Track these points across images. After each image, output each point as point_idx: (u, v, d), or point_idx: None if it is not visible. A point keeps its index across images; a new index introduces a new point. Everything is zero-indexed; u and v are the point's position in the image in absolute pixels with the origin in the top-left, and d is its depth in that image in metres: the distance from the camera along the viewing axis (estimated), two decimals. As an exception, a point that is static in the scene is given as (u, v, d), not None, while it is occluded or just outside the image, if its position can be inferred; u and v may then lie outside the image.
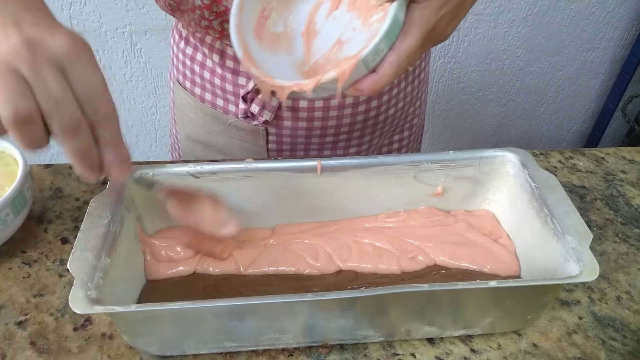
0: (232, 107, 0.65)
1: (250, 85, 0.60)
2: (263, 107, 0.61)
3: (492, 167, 0.55)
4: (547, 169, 0.53)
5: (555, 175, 0.51)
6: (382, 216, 0.57)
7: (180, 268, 0.52)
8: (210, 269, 0.52)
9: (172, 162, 0.60)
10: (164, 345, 0.45)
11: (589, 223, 0.59)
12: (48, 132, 0.36)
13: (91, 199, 0.48)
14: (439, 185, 0.56)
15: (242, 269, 0.52)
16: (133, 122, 1.43)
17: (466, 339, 0.49)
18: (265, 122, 0.63)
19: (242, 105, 0.62)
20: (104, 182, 0.63)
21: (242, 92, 0.62)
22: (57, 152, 1.48)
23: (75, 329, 0.48)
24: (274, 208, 0.55)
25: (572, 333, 0.49)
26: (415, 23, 0.40)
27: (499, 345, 0.48)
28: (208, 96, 0.66)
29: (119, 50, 1.29)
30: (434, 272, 0.52)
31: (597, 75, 1.58)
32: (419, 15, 0.40)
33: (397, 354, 0.47)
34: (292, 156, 0.68)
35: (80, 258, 0.42)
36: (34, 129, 0.35)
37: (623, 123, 1.67)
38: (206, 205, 0.51)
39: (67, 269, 0.42)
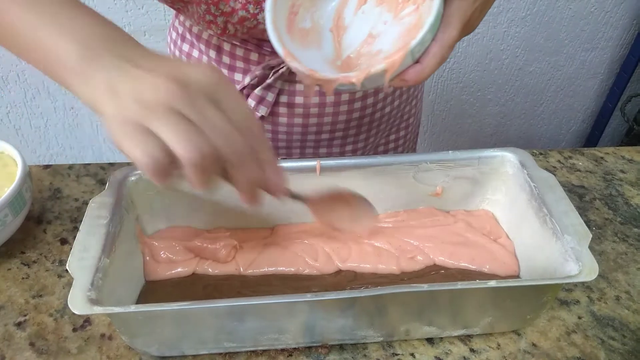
0: None
1: (247, 81, 0.60)
2: (259, 102, 0.61)
3: (491, 167, 0.55)
4: (546, 169, 0.53)
5: (555, 175, 0.51)
6: (382, 216, 0.57)
7: (180, 269, 0.51)
8: (210, 269, 0.52)
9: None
10: (163, 346, 0.45)
11: (588, 223, 0.60)
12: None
13: (90, 199, 0.48)
14: (438, 185, 0.56)
15: (241, 270, 0.52)
16: (132, 123, 1.42)
17: (465, 338, 0.49)
18: (261, 118, 0.63)
19: None
20: (103, 183, 0.63)
21: (237, 87, 0.62)
22: (56, 153, 1.48)
23: (74, 330, 0.48)
24: (274, 208, 0.55)
25: (571, 333, 0.49)
26: (454, 14, 0.41)
27: (499, 345, 0.48)
28: None
29: (118, 51, 1.28)
30: (434, 272, 0.52)
31: (596, 74, 1.58)
32: (456, 7, 0.41)
33: (397, 354, 0.47)
34: (288, 154, 0.68)
35: (79, 259, 0.42)
36: (216, 167, 0.34)
37: (622, 122, 1.67)
38: (343, 204, 0.51)
39: (66, 270, 0.42)
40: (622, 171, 0.69)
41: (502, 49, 1.47)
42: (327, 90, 0.42)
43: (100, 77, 0.34)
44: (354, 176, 0.54)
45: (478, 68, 1.49)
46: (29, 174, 0.55)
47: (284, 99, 0.62)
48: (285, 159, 0.63)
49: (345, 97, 0.63)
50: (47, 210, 0.60)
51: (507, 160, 0.55)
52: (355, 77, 0.41)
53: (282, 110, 0.63)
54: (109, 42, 0.35)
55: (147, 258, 0.52)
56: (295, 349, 0.47)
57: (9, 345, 0.47)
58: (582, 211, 0.62)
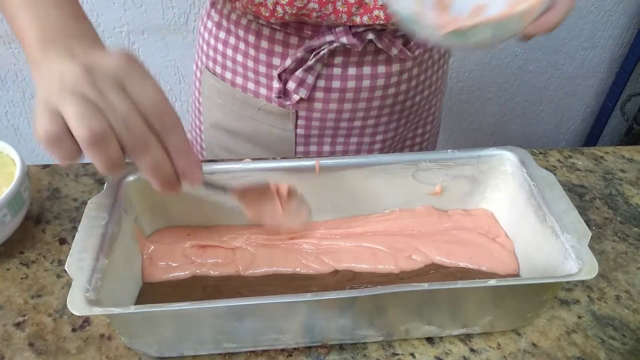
0: (263, 90, 0.66)
1: (287, 63, 0.61)
2: (299, 85, 0.63)
3: (490, 166, 0.55)
4: (546, 168, 0.53)
5: (554, 175, 0.51)
6: (379, 215, 0.57)
7: (177, 273, 0.51)
8: (211, 272, 0.52)
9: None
10: (162, 347, 0.45)
11: (588, 222, 0.59)
12: (123, 151, 0.37)
13: (89, 199, 0.48)
14: (438, 184, 0.56)
15: (241, 270, 0.52)
16: (131, 122, 1.43)
17: (465, 338, 0.49)
18: (297, 103, 0.64)
19: (276, 84, 0.64)
20: (102, 182, 0.62)
21: (276, 72, 0.63)
22: (55, 153, 1.48)
23: (73, 330, 0.48)
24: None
25: (571, 332, 0.49)
26: None
27: (499, 345, 0.48)
28: (239, 80, 0.67)
29: (116, 50, 1.28)
30: (432, 271, 0.52)
31: (595, 73, 1.58)
32: None
33: (397, 354, 0.47)
34: (319, 143, 0.69)
35: (78, 259, 0.42)
36: (110, 147, 0.36)
37: (622, 122, 1.67)
38: (276, 200, 0.51)
39: (65, 270, 0.42)
40: (622, 170, 0.69)
41: (502, 48, 1.47)
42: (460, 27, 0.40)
43: (44, 66, 0.37)
44: (353, 175, 0.54)
45: (478, 67, 1.49)
46: (27, 173, 0.55)
47: (321, 83, 0.63)
48: (285, 158, 0.62)
49: (380, 81, 0.64)
50: (46, 210, 0.60)
51: (506, 159, 0.54)
52: (497, 15, 0.39)
53: (319, 95, 0.64)
54: (64, 36, 0.38)
55: (145, 259, 0.51)
56: (295, 349, 0.47)
57: (8, 346, 0.47)
58: (582, 210, 0.62)
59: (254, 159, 0.54)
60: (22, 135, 1.43)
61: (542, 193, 0.49)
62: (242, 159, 0.54)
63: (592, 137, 1.69)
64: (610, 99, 1.59)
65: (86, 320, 0.49)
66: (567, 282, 0.53)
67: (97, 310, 0.39)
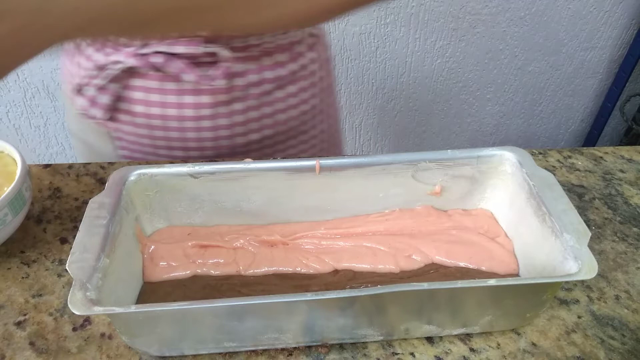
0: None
1: (76, 80, 0.56)
2: (92, 105, 0.56)
3: (489, 166, 0.55)
4: (545, 168, 0.53)
5: (554, 175, 0.51)
6: (379, 215, 0.57)
7: (178, 273, 0.51)
8: (212, 271, 0.52)
9: (171, 162, 0.60)
10: (162, 346, 0.45)
11: (587, 222, 0.60)
12: None
13: (90, 199, 0.48)
14: (437, 184, 0.56)
15: (242, 270, 0.52)
16: (131, 122, 1.43)
17: (465, 338, 0.49)
18: (107, 123, 0.59)
19: (78, 100, 0.58)
20: (103, 182, 0.63)
21: (71, 86, 0.58)
22: (56, 152, 1.48)
23: (74, 329, 0.48)
24: (272, 208, 0.55)
25: (571, 332, 0.49)
26: None
27: (498, 345, 0.48)
28: (68, 90, 0.63)
29: (117, 50, 1.28)
30: (432, 271, 0.52)
31: (595, 74, 1.59)
32: None
33: (397, 354, 0.47)
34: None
35: (79, 259, 0.42)
36: None
37: (621, 122, 1.67)
38: None
39: (66, 269, 0.42)
40: (621, 171, 0.69)
41: (501, 49, 1.47)
42: None
43: None
44: (354, 175, 0.54)
45: (477, 67, 1.49)
46: (28, 173, 0.55)
47: (124, 105, 0.58)
48: (285, 158, 0.62)
49: (189, 112, 0.57)
50: (47, 210, 0.60)
51: (505, 159, 0.55)
52: None
53: (125, 117, 0.59)
54: None
55: (146, 258, 0.52)
56: (295, 348, 0.47)
57: (8, 345, 0.47)
58: (582, 211, 0.62)
59: (254, 159, 0.54)
60: (23, 135, 1.43)
61: (541, 193, 0.50)
62: (242, 159, 0.54)
63: (591, 138, 1.70)
64: (610, 99, 1.59)
65: (87, 320, 0.49)
66: (567, 282, 0.53)
67: (97, 310, 0.39)
